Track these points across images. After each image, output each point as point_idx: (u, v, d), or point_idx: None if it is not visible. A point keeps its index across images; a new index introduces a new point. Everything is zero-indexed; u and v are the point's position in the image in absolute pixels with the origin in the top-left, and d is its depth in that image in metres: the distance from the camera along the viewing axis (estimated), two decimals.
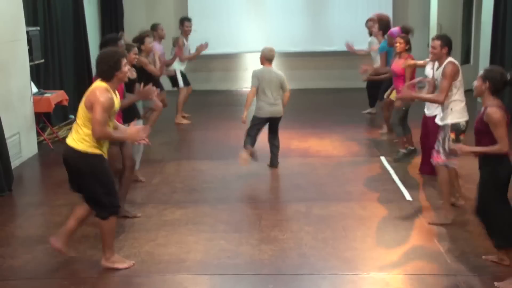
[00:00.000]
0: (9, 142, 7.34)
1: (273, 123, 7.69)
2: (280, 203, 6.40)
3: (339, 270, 4.85)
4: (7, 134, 7.21)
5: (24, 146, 8.05)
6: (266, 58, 7.47)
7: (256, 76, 7.45)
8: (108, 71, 4.68)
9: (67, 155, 4.74)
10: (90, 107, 4.59)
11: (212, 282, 4.77)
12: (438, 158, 5.69)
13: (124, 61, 4.75)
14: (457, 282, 4.60)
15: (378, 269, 4.85)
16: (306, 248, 5.24)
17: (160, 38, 9.57)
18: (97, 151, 4.69)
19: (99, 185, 4.72)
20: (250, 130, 7.58)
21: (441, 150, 5.66)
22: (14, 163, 7.54)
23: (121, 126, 5.09)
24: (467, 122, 5.78)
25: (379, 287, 4.61)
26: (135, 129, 4.88)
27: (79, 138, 4.66)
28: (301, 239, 5.42)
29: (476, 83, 4.68)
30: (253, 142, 7.49)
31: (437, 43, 5.74)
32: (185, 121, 10.34)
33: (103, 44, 6.14)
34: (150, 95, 6.24)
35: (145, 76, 7.83)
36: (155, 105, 8.15)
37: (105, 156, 4.80)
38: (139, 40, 8.01)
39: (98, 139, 4.65)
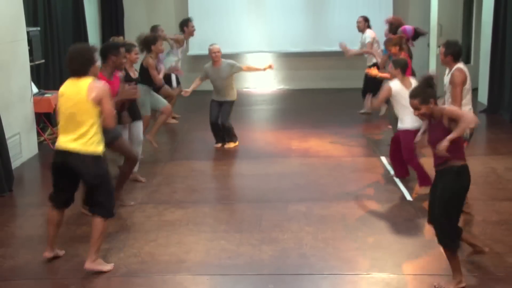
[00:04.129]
0: (10, 143, 7.35)
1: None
2: (280, 203, 6.40)
3: (339, 270, 4.86)
4: (7, 134, 7.21)
5: (24, 147, 8.06)
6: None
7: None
8: (82, 66, 4.66)
9: (82, 164, 4.69)
10: (98, 103, 4.61)
11: (212, 282, 4.77)
12: None
13: (97, 56, 4.78)
14: None
15: (379, 270, 4.85)
16: (306, 248, 5.24)
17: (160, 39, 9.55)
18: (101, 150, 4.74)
19: (108, 187, 4.80)
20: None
21: None
22: (15, 163, 7.54)
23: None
24: (471, 130, 5.76)
25: None
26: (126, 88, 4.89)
27: (89, 141, 4.67)
28: (302, 239, 5.42)
29: (423, 110, 4.45)
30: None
31: (442, 50, 5.76)
32: (173, 121, 10.34)
33: (102, 52, 6.12)
34: (133, 95, 6.23)
35: (149, 77, 7.87)
36: (163, 108, 8.15)
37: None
38: (152, 40, 7.99)
39: (109, 128, 4.75)
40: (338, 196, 6.59)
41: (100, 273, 4.84)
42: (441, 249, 4.59)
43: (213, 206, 6.40)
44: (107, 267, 4.89)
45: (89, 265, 4.81)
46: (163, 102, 8.25)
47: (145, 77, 7.85)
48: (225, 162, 8.08)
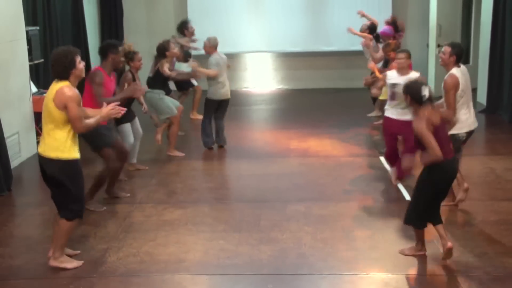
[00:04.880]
0: (9, 142, 7.34)
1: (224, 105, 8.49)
2: (279, 203, 6.40)
3: (338, 270, 4.86)
4: (6, 133, 7.21)
5: (23, 146, 8.06)
6: (215, 46, 8.40)
7: (217, 63, 8.24)
8: (63, 71, 4.70)
9: (45, 166, 4.85)
10: (63, 108, 4.61)
11: (211, 282, 4.78)
12: None
13: (78, 58, 4.78)
14: (456, 282, 4.61)
15: (377, 269, 4.86)
16: (305, 248, 5.24)
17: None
18: (71, 156, 4.74)
19: (73, 190, 4.79)
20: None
21: None
22: (13, 163, 7.54)
23: (93, 111, 5.08)
24: (468, 132, 5.77)
25: (378, 287, 4.62)
26: (108, 107, 4.88)
27: (54, 145, 4.72)
28: (301, 239, 5.42)
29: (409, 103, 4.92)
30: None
31: (448, 49, 5.74)
32: (199, 116, 10.38)
33: (102, 50, 6.43)
34: (137, 93, 6.66)
35: (161, 81, 7.92)
36: (172, 117, 8.02)
37: (78, 156, 4.84)
38: (165, 47, 8.00)
39: (80, 133, 4.76)
40: (337, 196, 6.59)
41: (99, 273, 4.85)
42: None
43: (212, 206, 6.40)
44: (72, 264, 4.92)
45: (52, 262, 4.91)
46: (171, 110, 8.05)
47: (158, 81, 7.99)
48: (224, 162, 8.08)
